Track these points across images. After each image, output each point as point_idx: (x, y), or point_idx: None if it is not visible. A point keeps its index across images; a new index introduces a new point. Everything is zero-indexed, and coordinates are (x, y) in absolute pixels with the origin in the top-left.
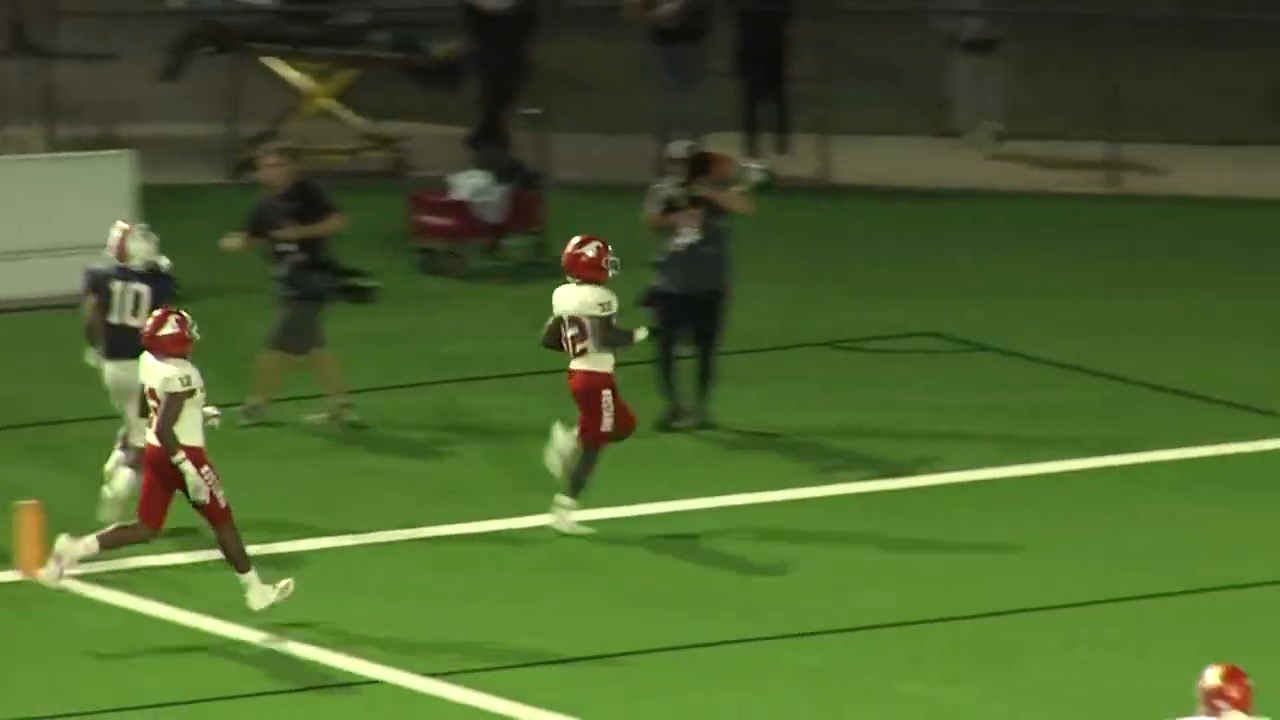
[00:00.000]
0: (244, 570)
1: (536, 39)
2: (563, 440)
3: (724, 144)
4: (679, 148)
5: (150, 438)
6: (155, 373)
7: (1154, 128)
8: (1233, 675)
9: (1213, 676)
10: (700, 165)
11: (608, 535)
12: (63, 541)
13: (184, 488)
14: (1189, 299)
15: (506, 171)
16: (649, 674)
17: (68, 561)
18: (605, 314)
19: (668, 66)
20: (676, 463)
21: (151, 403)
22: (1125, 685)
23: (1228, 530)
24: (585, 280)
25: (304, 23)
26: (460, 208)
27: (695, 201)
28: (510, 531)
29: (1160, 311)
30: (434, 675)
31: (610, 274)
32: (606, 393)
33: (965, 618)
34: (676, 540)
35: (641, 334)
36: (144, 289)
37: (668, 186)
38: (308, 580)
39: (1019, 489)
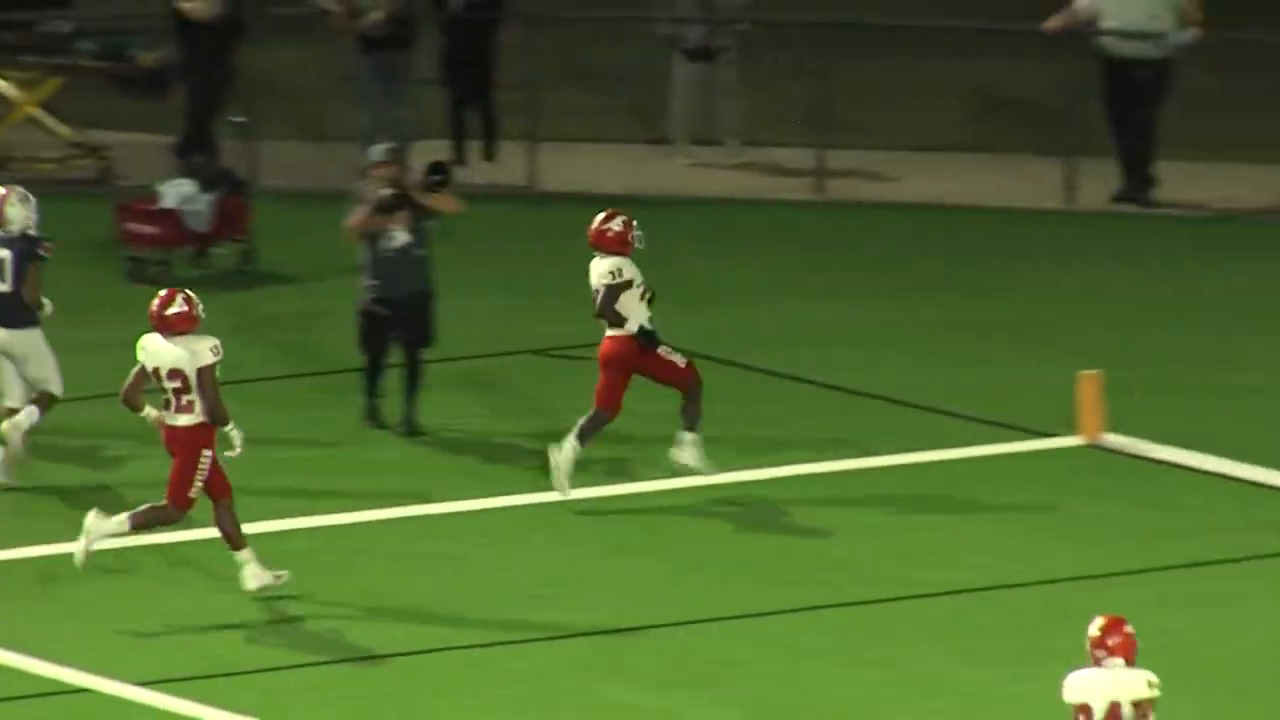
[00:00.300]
0: (240, 548)
1: (243, 47)
2: (562, 456)
3: (432, 152)
4: (379, 151)
5: (172, 419)
6: (168, 352)
7: (863, 135)
8: (1113, 625)
9: (1095, 628)
10: (440, 171)
11: (308, 545)
12: (91, 518)
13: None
14: (895, 305)
15: (214, 179)
16: (354, 681)
17: (95, 538)
18: (612, 282)
19: (374, 74)
20: (383, 469)
21: (170, 384)
22: (828, 693)
23: (927, 537)
24: (610, 253)
25: (9, 31)
26: (168, 216)
27: (404, 203)
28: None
29: (870, 318)
30: None
31: (637, 247)
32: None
33: (674, 624)
34: (383, 549)
35: (633, 326)
36: (7, 254)
37: (375, 189)
38: None
39: (734, 495)
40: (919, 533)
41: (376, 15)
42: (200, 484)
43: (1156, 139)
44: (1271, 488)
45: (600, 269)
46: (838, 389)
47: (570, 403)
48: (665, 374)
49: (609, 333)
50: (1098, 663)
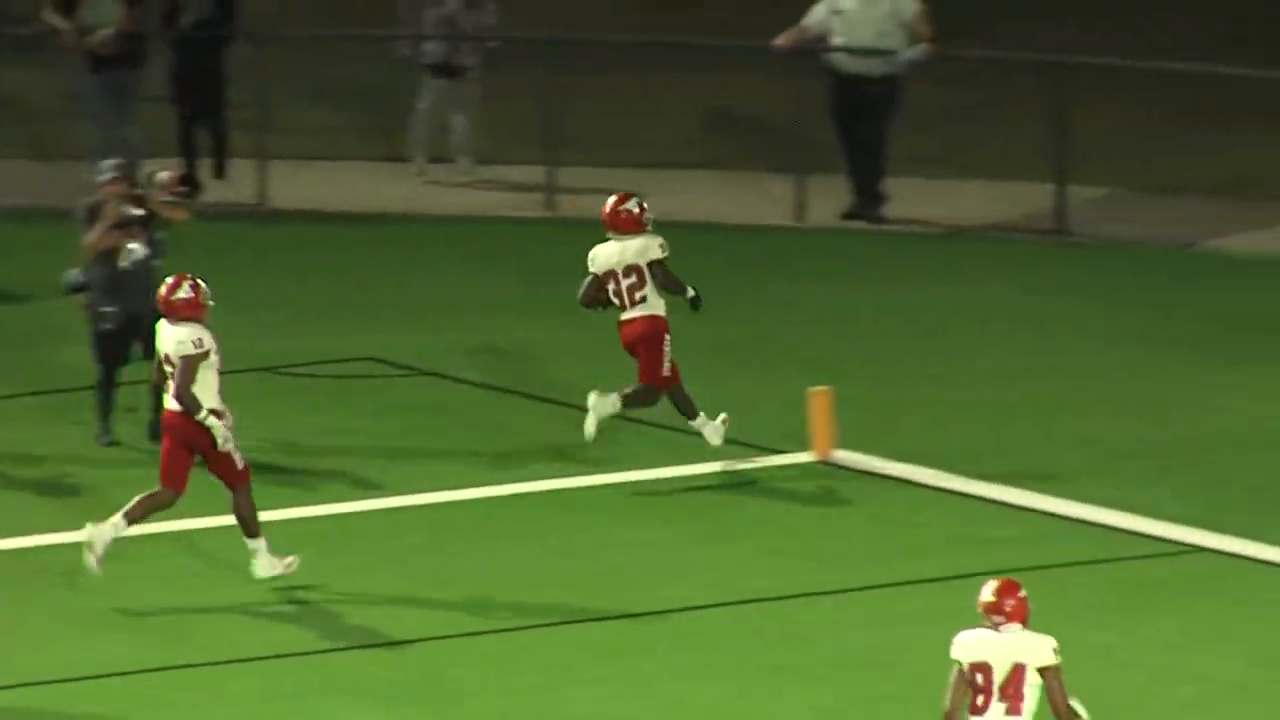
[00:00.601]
0: (255, 535)
1: None
2: (599, 404)
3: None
4: (108, 168)
5: (169, 403)
6: (169, 337)
7: (595, 152)
8: (1007, 589)
9: (988, 593)
10: (188, 183)
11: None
12: (89, 529)
13: (206, 449)
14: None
15: None
16: (78, 700)
17: (101, 548)
18: (665, 254)
19: (104, 92)
20: (118, 487)
21: (168, 368)
22: (555, 711)
23: (655, 553)
24: (631, 233)
25: None
26: None
27: (141, 218)
28: None
29: (602, 334)
30: None
31: (649, 228)
32: (667, 336)
33: (404, 643)
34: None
35: (691, 292)
36: None
37: (114, 206)
38: None
39: (464, 513)
40: (647, 549)
41: (106, 32)
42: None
43: (886, 155)
44: (1001, 503)
45: (649, 243)
46: (569, 405)
47: (299, 419)
48: (651, 362)
49: (644, 312)
50: (995, 628)
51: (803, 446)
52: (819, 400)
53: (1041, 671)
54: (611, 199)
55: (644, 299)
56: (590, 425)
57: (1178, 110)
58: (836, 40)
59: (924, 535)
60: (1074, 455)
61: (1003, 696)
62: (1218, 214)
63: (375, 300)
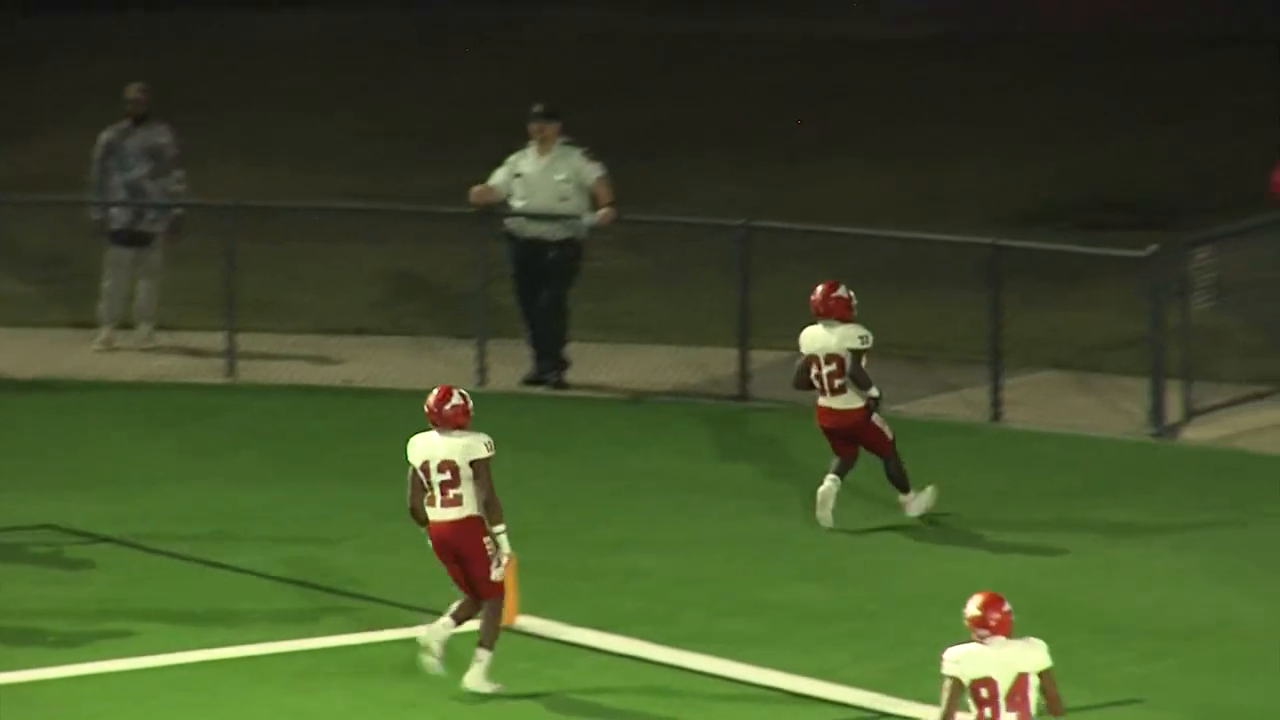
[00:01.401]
0: (489, 648)
1: None
2: (827, 490)
3: None
4: None
5: (438, 515)
6: (443, 446)
7: (275, 318)
8: (991, 602)
9: (974, 607)
10: None
11: None
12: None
13: (471, 562)
14: (311, 488)
15: None
16: None
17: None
18: (865, 346)
19: None
20: None
21: (441, 476)
22: None
23: None
24: (841, 320)
25: None
26: None
27: None
28: None
29: (281, 500)
30: None
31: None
32: (874, 416)
33: None
34: None
35: (875, 391)
36: None
37: None
38: None
39: (148, 680)
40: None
41: None
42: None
43: (568, 320)
44: (682, 668)
45: (848, 334)
46: (247, 572)
47: None
48: (876, 441)
49: (840, 403)
50: (980, 640)
51: None
52: (506, 568)
53: (1041, 675)
54: (821, 287)
55: (842, 388)
56: (825, 515)
57: (860, 272)
58: (516, 204)
59: (607, 701)
60: (756, 621)
61: (1010, 706)
62: (899, 378)
63: (53, 467)
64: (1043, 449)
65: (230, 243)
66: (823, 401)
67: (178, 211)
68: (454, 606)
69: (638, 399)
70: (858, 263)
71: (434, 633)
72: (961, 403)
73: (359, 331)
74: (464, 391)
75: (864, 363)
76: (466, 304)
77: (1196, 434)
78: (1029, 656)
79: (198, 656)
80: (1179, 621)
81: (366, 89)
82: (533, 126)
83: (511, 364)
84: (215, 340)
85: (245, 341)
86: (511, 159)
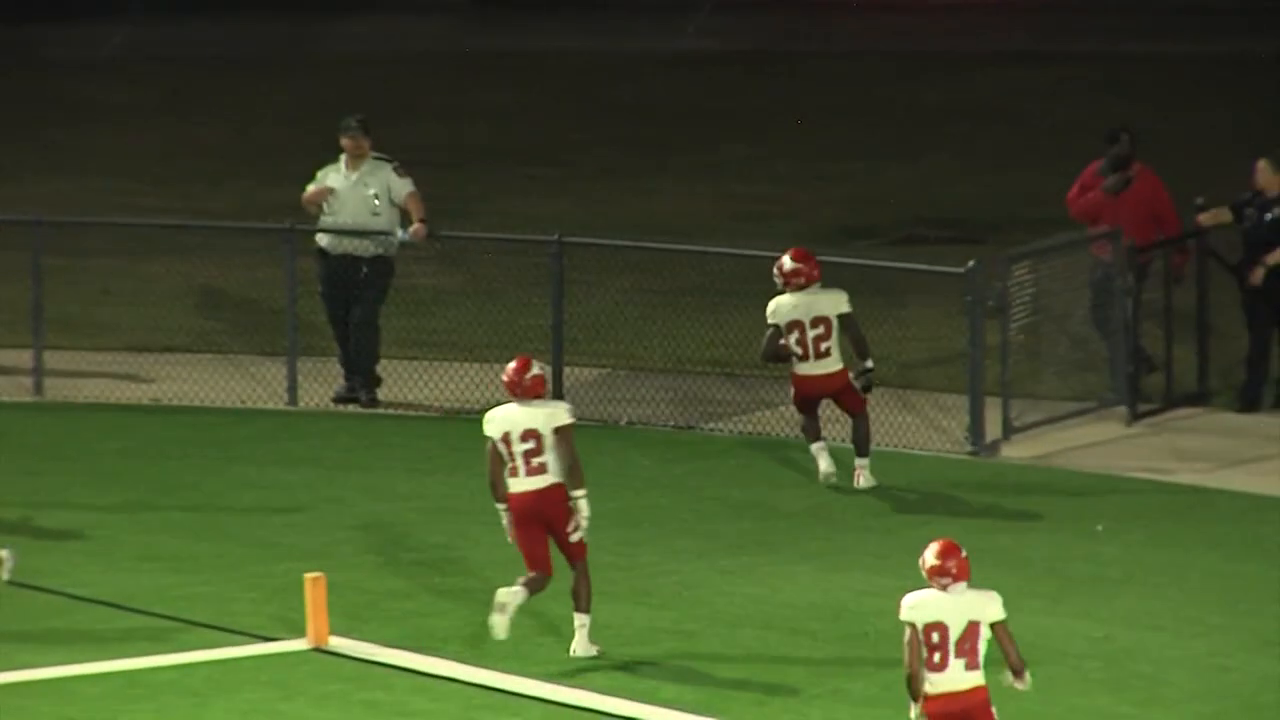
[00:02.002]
0: (587, 611)
1: None
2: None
3: None
4: None
5: (522, 485)
6: (525, 416)
7: (84, 335)
8: (949, 550)
9: (932, 555)
10: None
11: None
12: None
13: (559, 527)
14: (120, 508)
15: None
16: None
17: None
18: (851, 309)
19: None
20: None
21: (524, 446)
22: None
23: None
24: (809, 287)
25: None
26: None
27: None
28: None
29: (95, 521)
30: None
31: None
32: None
33: None
34: None
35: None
36: None
37: None
38: None
39: None
40: None
41: None
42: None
43: (378, 337)
44: (497, 689)
45: (840, 298)
46: (54, 593)
47: None
48: (855, 401)
49: (824, 368)
50: (943, 588)
51: (298, 634)
52: (314, 586)
53: (993, 626)
54: (792, 252)
55: (828, 351)
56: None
57: (677, 288)
58: (326, 220)
59: None
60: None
61: (960, 653)
62: (713, 396)
63: None
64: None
65: (37, 259)
66: (804, 369)
67: None
68: (525, 578)
69: (450, 416)
70: (675, 279)
71: (513, 595)
72: (779, 420)
73: (168, 349)
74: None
75: None
76: (277, 321)
77: (1015, 451)
78: (983, 606)
79: (4, 679)
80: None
81: (174, 105)
82: (345, 139)
83: (322, 382)
84: (22, 358)
85: (53, 359)
86: (321, 174)
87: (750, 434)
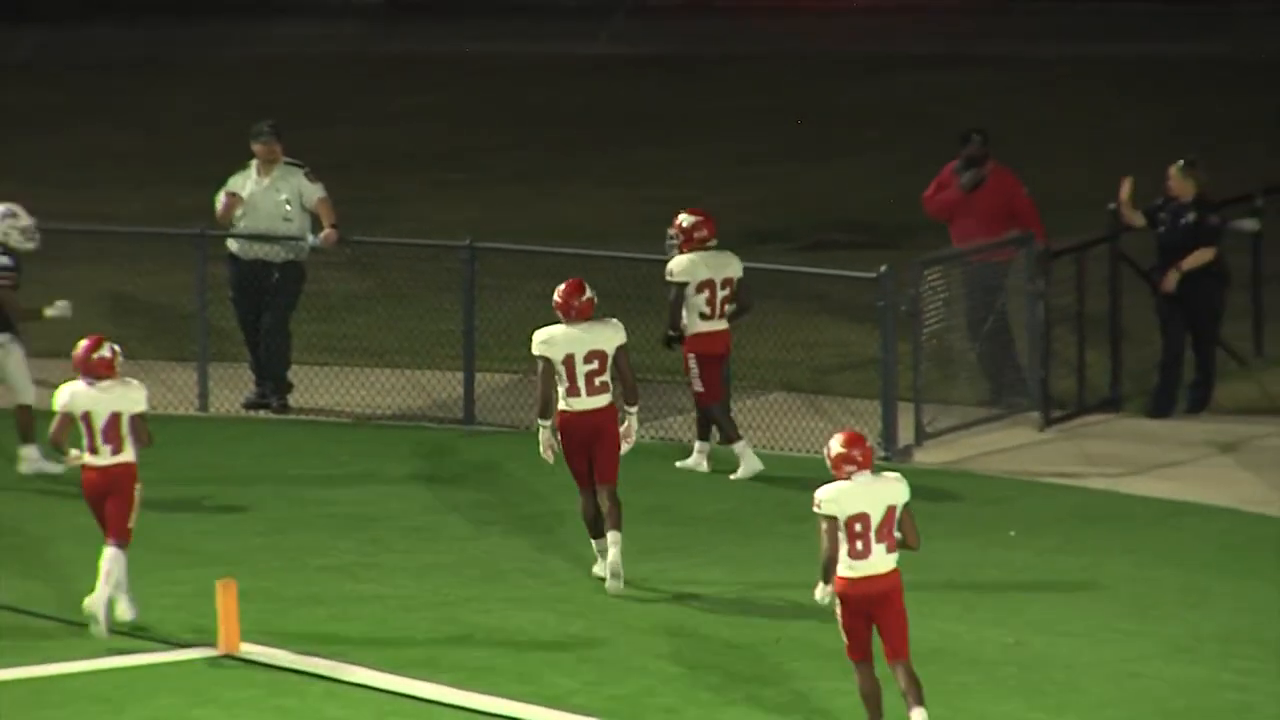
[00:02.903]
0: (619, 528)
1: None
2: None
3: None
4: None
5: (584, 403)
6: (589, 337)
7: None
8: (853, 440)
9: (837, 444)
10: None
11: None
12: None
13: (611, 444)
14: (15, 513)
15: None
16: None
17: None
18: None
19: None
20: None
21: (588, 366)
22: None
23: None
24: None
25: None
26: None
27: None
28: None
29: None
30: None
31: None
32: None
33: None
34: None
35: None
36: None
37: None
38: None
39: None
40: None
41: None
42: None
43: (290, 343)
44: (410, 696)
45: (735, 263)
46: None
47: None
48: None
49: (717, 326)
50: (847, 477)
51: (209, 640)
52: (226, 592)
53: (904, 508)
54: (700, 216)
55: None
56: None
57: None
58: (238, 225)
59: None
60: (484, 648)
61: (880, 538)
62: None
63: None
64: (772, 471)
65: None
66: (708, 327)
67: None
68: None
69: (362, 423)
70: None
71: (603, 550)
72: (692, 425)
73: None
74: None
75: None
76: (187, 326)
77: (928, 456)
78: (896, 490)
79: None
80: None
81: (85, 109)
82: (257, 145)
83: (233, 387)
84: None
85: None
86: (233, 179)
87: (660, 439)
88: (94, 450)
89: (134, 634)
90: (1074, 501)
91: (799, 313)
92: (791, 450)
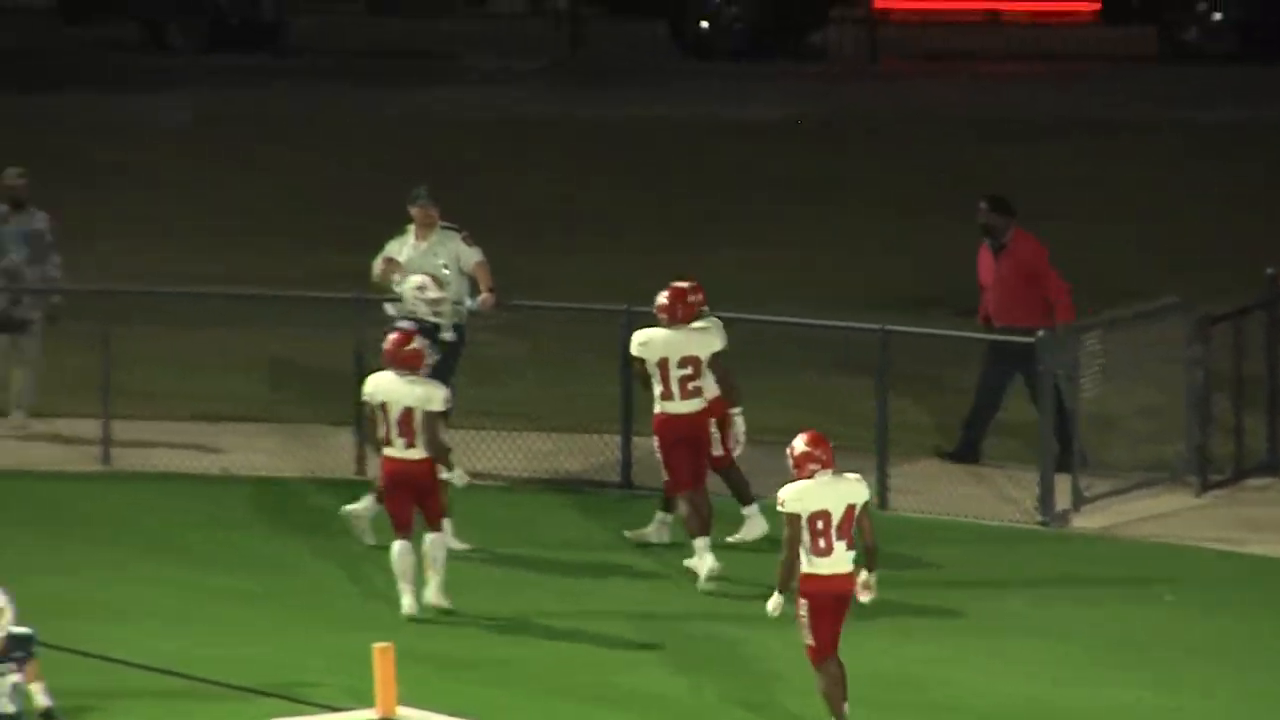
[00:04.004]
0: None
1: None
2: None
3: None
4: None
5: (678, 407)
6: (684, 342)
7: (151, 404)
8: (816, 439)
9: (801, 443)
10: None
11: None
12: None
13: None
14: (180, 577)
15: None
16: None
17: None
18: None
19: None
20: None
21: (682, 371)
22: None
23: None
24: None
25: None
26: None
27: None
28: None
29: (155, 593)
30: None
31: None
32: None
33: None
34: None
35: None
36: None
37: None
38: None
39: None
40: None
41: None
42: None
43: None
44: None
45: (714, 340)
46: (122, 663)
47: None
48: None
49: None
50: (810, 475)
51: (367, 703)
52: (383, 656)
53: (863, 507)
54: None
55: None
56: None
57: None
58: (396, 289)
59: None
60: (637, 714)
61: (840, 535)
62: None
63: None
64: (930, 536)
65: (105, 328)
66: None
67: (56, 299)
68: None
69: (518, 487)
70: (741, 348)
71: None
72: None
73: (235, 418)
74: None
75: None
76: (344, 390)
77: (1085, 522)
78: (856, 490)
79: None
80: (1064, 712)
81: (235, 172)
82: (414, 209)
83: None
84: (90, 427)
85: (120, 429)
86: (390, 244)
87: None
88: (388, 441)
89: (291, 696)
90: (1232, 567)
91: (956, 377)
92: (950, 515)
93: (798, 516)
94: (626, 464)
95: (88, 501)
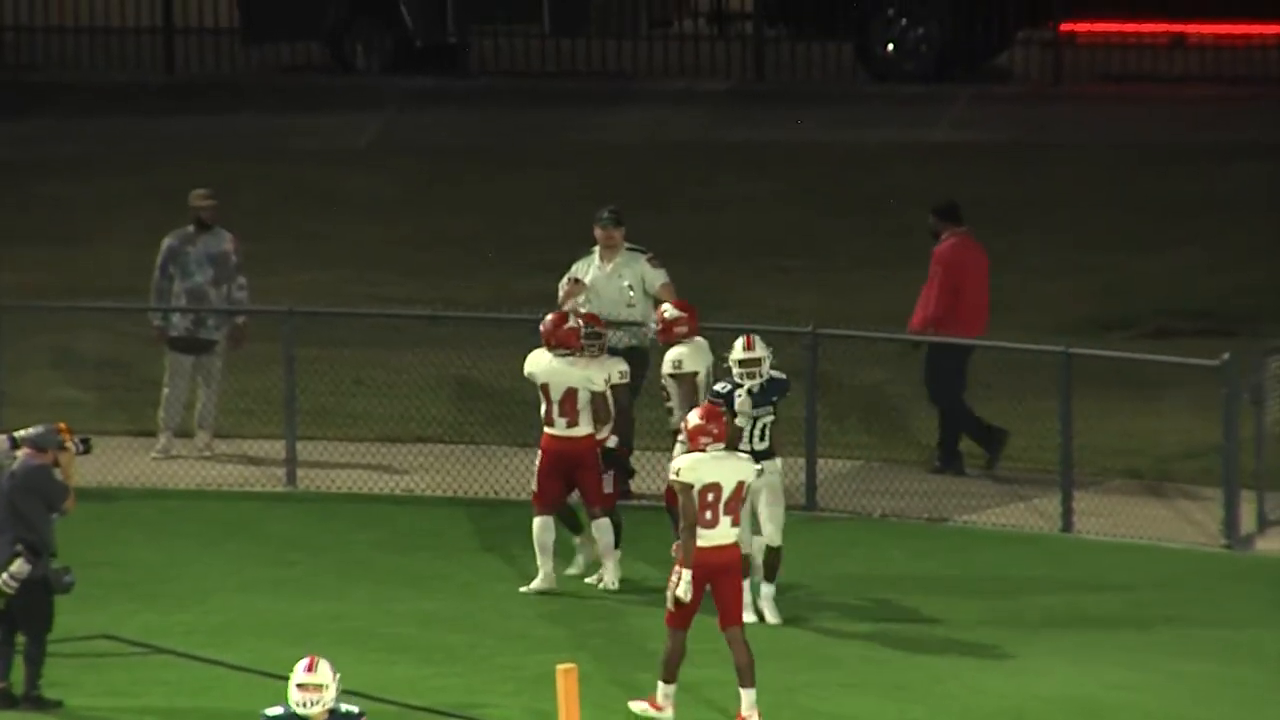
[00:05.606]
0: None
1: None
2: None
3: None
4: None
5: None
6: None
7: (336, 425)
8: (710, 414)
9: (695, 417)
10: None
11: None
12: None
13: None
14: (364, 599)
15: None
16: None
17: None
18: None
19: None
20: None
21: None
22: None
23: None
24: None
25: None
26: None
27: None
28: None
29: (339, 612)
30: None
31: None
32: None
33: None
34: None
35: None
36: None
37: None
38: None
39: None
40: None
41: None
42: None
43: (633, 429)
44: None
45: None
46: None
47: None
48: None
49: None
50: (703, 449)
51: None
52: (567, 678)
53: (749, 488)
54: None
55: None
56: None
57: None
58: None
59: None
60: None
61: (727, 511)
62: (969, 489)
63: (110, 577)
64: (1114, 559)
65: (289, 349)
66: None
67: (241, 319)
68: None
69: None
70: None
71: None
72: (1032, 512)
73: (420, 440)
74: None
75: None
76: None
77: (1270, 545)
78: (745, 468)
79: None
80: None
81: (426, 195)
82: (599, 231)
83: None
84: (275, 448)
85: (305, 450)
86: (576, 265)
87: (1003, 526)
88: (549, 422)
89: (475, 718)
90: None
91: (1142, 399)
92: (1133, 537)
93: (690, 486)
94: (811, 485)
95: (272, 522)
